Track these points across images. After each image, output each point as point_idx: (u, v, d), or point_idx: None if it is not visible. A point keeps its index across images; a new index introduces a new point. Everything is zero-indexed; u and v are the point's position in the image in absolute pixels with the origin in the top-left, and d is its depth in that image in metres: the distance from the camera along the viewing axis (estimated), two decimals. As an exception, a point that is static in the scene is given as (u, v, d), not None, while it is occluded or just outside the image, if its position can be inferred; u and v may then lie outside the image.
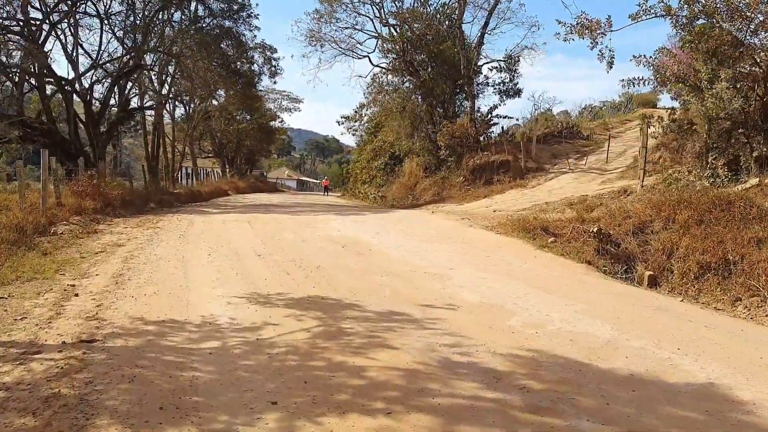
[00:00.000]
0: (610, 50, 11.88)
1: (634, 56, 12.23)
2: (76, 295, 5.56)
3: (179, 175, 35.47)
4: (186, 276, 6.62)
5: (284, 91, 49.72)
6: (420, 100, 23.80)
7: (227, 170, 46.75)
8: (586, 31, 11.63)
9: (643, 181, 12.94)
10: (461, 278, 6.80)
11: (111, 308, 5.10)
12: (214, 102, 41.51)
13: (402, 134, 27.76)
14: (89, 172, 13.59)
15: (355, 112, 43.80)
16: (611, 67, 11.97)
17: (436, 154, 22.59)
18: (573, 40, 12.07)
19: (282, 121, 54.67)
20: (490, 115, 21.12)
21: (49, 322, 4.62)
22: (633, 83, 12.65)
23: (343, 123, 41.26)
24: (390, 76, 25.25)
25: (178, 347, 4.12)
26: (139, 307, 5.16)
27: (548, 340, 4.54)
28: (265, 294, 5.76)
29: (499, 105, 21.87)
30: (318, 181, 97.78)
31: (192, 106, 34.00)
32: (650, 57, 12.20)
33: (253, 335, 4.42)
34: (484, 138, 20.60)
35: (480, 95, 24.17)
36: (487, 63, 23.03)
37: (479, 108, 21.46)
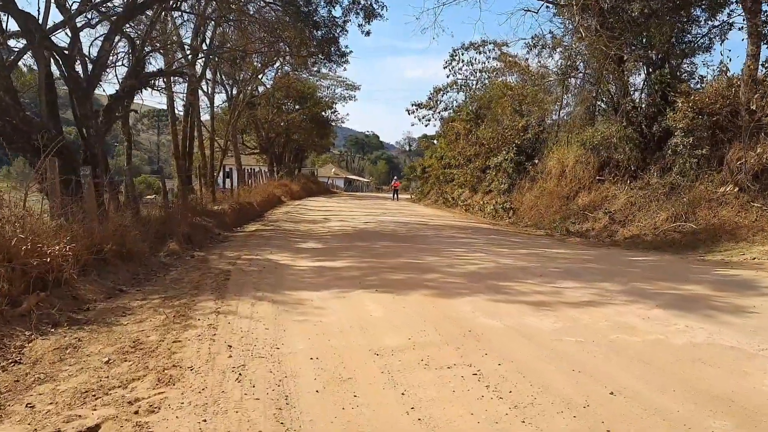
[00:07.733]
0: None
1: None
2: None
3: (220, 175, 27.27)
4: None
5: (339, 77, 41.17)
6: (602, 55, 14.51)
7: (275, 169, 38.55)
8: None
9: None
10: None
11: None
12: (259, 88, 33.37)
13: (547, 114, 18.65)
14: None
15: (429, 98, 35.53)
16: None
17: (648, 145, 13.28)
18: None
19: (336, 111, 46.34)
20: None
21: None
22: None
23: (414, 112, 33.42)
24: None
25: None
26: None
27: None
28: None
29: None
30: (366, 180, 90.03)
31: (237, 85, 25.74)
32: None
33: None
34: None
35: (701, 47, 14.68)
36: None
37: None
